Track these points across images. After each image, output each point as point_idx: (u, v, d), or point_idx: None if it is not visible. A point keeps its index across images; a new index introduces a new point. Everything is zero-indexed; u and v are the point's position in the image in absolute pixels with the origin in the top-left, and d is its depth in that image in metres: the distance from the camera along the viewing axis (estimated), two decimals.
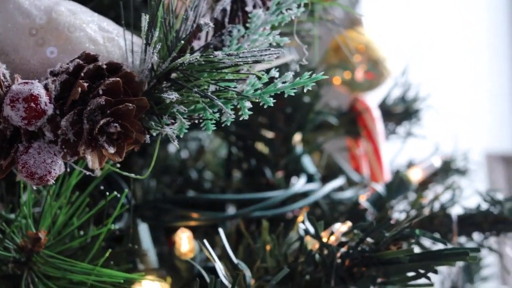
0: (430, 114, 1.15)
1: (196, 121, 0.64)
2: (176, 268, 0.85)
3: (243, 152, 0.98)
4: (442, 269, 1.07)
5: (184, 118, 0.64)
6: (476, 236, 0.92)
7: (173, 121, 0.65)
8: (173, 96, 0.61)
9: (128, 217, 0.83)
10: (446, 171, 1.10)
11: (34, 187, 0.66)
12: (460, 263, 1.11)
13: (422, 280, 0.74)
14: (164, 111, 0.63)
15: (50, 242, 0.73)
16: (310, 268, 0.76)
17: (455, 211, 0.91)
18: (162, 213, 0.85)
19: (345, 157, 1.10)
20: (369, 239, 0.75)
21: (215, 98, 0.61)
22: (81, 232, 0.76)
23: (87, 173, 0.64)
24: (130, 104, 0.62)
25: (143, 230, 0.85)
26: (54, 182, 0.62)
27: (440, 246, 0.76)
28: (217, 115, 0.63)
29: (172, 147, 1.09)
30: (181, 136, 0.63)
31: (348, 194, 0.97)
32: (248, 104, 0.63)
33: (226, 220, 0.89)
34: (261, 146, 0.97)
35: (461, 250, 0.70)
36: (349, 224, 0.77)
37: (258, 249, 0.78)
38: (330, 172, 1.03)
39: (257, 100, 0.62)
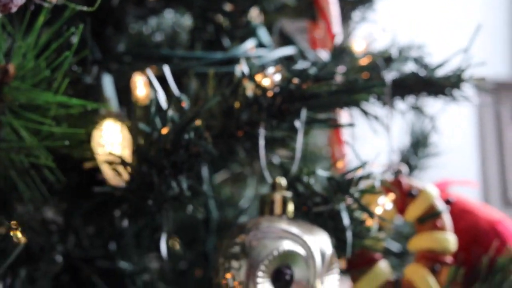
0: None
1: None
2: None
3: (205, 24, 1.08)
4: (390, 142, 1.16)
5: None
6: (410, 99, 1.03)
7: None
8: None
9: (94, 69, 0.95)
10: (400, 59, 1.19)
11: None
12: (409, 136, 1.22)
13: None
14: None
15: (19, 75, 0.84)
16: (246, 108, 0.87)
17: (390, 75, 1.01)
18: (125, 66, 0.97)
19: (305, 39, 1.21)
20: (296, 80, 0.86)
21: None
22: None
23: (46, 5, 0.75)
24: None
25: (107, 80, 0.96)
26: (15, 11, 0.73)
27: None
28: None
29: (147, 29, 1.20)
30: None
31: (299, 65, 1.08)
32: None
33: (174, 72, 0.99)
34: (221, 19, 1.08)
35: (371, 83, 0.81)
36: (281, 67, 0.87)
37: (202, 91, 0.90)
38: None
39: None
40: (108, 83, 0.96)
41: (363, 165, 0.85)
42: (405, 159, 1.18)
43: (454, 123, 2.32)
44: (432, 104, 1.19)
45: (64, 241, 0.98)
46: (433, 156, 1.20)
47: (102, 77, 0.96)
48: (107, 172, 0.91)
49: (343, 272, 1.00)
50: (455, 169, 2.21)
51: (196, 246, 1.12)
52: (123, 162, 0.85)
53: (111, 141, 0.91)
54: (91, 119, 0.93)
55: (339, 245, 0.88)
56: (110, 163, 0.88)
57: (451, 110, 2.25)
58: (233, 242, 0.82)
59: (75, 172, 0.97)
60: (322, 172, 0.86)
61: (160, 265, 1.08)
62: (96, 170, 0.94)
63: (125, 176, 0.87)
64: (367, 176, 0.86)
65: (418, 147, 1.19)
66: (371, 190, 0.87)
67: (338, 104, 0.82)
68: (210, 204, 1.02)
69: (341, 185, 0.84)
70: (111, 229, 1.01)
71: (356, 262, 0.98)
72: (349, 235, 0.87)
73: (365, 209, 0.85)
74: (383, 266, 0.98)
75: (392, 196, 0.92)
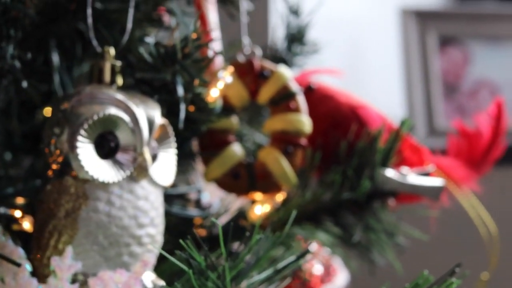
0: None
1: None
2: None
3: None
4: None
5: None
6: None
7: None
8: None
9: None
10: None
11: None
12: None
13: None
14: None
15: None
16: None
17: None
18: None
19: None
20: None
21: None
22: None
23: None
24: None
25: None
26: None
27: None
28: None
29: None
30: None
31: None
32: None
33: None
34: None
35: None
36: None
37: None
38: None
39: None
40: None
41: (191, 32, 0.83)
42: (278, 54, 1.16)
43: (379, 53, 2.31)
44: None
45: None
46: (311, 54, 1.18)
47: None
48: None
49: (196, 154, 0.99)
50: (382, 99, 2.21)
51: None
52: None
53: None
54: None
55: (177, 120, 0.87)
56: None
57: (376, 40, 2.24)
58: (57, 110, 0.81)
59: None
60: (150, 39, 0.84)
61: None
62: None
63: None
64: (196, 46, 0.83)
65: (292, 43, 1.17)
66: (202, 59, 0.85)
67: None
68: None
69: (169, 52, 0.82)
70: None
71: (207, 143, 0.97)
72: (182, 107, 0.86)
73: (193, 76, 0.83)
74: (235, 148, 0.97)
75: (231, 68, 0.90)
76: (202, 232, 1.01)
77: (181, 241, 0.70)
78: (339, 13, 1.79)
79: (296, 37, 1.17)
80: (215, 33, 1.01)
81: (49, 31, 0.92)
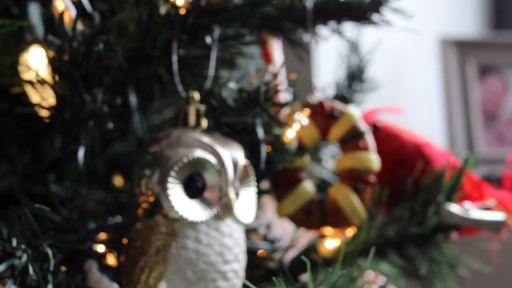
0: None
1: None
2: None
3: None
4: None
5: None
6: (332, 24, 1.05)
7: None
8: None
9: None
10: None
11: None
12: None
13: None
14: None
15: None
16: (161, 27, 0.90)
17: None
18: None
19: None
20: None
21: None
22: None
23: None
24: None
25: (33, 8, 0.99)
26: None
27: None
28: None
29: None
30: None
31: None
32: None
33: None
34: None
35: None
36: None
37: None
38: None
39: None
40: (34, 11, 0.99)
41: (273, 76, 0.87)
42: (340, 92, 1.20)
43: (419, 83, 2.35)
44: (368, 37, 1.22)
45: None
46: (370, 91, 1.22)
47: (29, 5, 0.99)
48: (33, 95, 0.94)
49: (267, 191, 1.02)
50: (422, 128, 2.24)
51: None
52: (43, 81, 0.88)
53: (37, 65, 0.94)
54: (18, 46, 0.96)
55: (257, 160, 0.91)
56: (33, 84, 0.90)
57: (416, 69, 2.28)
58: (147, 152, 0.85)
59: (6, 99, 0.99)
60: (233, 85, 0.88)
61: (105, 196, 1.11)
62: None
63: (47, 95, 0.89)
64: (276, 90, 0.88)
65: (353, 81, 1.21)
66: (281, 104, 0.89)
67: (242, 17, 0.85)
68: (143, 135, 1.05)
69: (251, 96, 0.86)
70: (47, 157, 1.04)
71: (280, 181, 1.00)
72: (263, 148, 0.90)
73: (274, 119, 0.87)
74: (307, 185, 1.01)
75: (307, 111, 0.94)
76: (272, 265, 1.05)
77: (274, 278, 0.74)
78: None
79: (356, 75, 1.21)
80: (284, 75, 1.05)
81: (130, 75, 0.96)
